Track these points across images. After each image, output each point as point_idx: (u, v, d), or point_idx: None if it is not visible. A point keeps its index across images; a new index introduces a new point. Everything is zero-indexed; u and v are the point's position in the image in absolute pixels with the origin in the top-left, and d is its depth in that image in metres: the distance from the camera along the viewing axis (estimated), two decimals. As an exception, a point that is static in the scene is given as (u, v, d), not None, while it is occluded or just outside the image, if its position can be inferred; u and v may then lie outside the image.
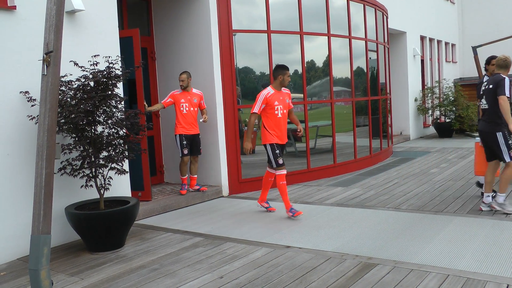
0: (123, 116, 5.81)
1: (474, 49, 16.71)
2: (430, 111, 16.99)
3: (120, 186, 6.50)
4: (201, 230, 6.17)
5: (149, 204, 7.22)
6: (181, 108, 7.79)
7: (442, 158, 11.40)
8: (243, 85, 8.68)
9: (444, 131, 16.40)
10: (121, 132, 5.84)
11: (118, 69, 5.80)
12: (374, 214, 6.46)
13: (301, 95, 9.38)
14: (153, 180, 8.75)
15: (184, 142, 7.77)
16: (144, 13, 8.91)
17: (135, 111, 5.92)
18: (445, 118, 16.93)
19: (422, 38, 17.67)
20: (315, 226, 6.06)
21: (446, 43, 20.27)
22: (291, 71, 9.30)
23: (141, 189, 7.28)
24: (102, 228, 5.37)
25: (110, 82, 5.56)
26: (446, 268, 4.37)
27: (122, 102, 5.89)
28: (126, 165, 6.44)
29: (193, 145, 7.91)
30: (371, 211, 6.63)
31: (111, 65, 5.61)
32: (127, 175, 6.53)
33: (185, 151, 7.79)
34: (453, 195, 7.31)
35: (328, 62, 9.89)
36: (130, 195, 6.73)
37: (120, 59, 6.15)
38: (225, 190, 8.34)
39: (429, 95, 16.86)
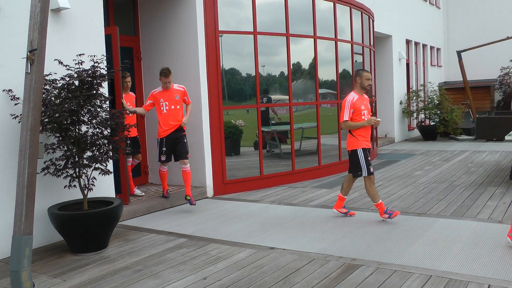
0: (107, 116, 5.77)
1: (459, 53, 16.93)
2: (415, 114, 17.12)
3: (104, 186, 6.45)
4: (185, 231, 6.15)
5: (133, 205, 7.17)
6: (363, 117, 6.31)
7: (426, 161, 11.49)
8: (229, 86, 8.66)
9: (428, 134, 16.53)
10: (105, 132, 5.80)
11: (103, 69, 5.76)
12: (358, 216, 6.49)
13: (287, 97, 9.40)
14: (138, 181, 8.70)
15: (369, 158, 6.27)
16: (130, 12, 8.86)
17: (120, 111, 5.88)
18: (429, 121, 17.07)
19: (408, 42, 17.81)
20: (299, 228, 6.07)
21: (432, 47, 20.45)
22: (276, 73, 9.38)
23: (119, 192, 7.08)
24: (85, 229, 5.32)
25: (95, 81, 5.53)
26: (429, 269, 4.41)
27: (107, 102, 5.85)
28: (110, 166, 6.40)
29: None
30: (355, 213, 6.66)
31: (96, 64, 5.58)
32: (111, 176, 6.49)
33: (372, 169, 6.29)
34: (436, 197, 7.37)
35: (314, 64, 9.92)
36: (114, 196, 6.68)
37: (105, 58, 6.12)
38: (210, 191, 8.31)
39: (414, 98, 16.99)
